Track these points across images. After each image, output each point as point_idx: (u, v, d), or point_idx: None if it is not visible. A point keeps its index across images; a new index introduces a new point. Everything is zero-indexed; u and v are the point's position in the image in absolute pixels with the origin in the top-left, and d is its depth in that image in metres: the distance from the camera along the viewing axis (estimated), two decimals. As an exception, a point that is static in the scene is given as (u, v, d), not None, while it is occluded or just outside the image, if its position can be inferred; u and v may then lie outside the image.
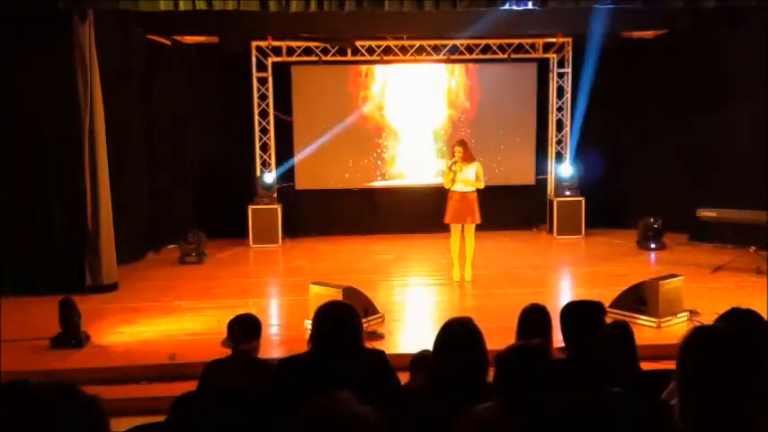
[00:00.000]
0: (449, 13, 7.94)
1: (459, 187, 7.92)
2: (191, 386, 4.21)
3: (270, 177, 10.89)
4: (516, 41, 10.95)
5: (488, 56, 11.12)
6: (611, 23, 9.13)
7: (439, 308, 7.50)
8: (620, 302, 6.49)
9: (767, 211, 8.29)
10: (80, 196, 7.86)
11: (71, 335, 5.99)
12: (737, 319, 2.92)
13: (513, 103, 11.30)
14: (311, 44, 10.75)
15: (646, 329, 6.09)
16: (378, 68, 11.20)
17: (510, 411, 2.35)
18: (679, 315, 6.40)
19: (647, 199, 10.80)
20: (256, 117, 10.99)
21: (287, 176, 11.22)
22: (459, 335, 3.02)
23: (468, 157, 7.94)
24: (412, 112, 11.26)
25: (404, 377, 3.74)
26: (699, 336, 2.31)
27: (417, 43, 10.94)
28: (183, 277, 8.88)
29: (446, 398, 2.82)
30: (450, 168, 7.93)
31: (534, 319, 3.74)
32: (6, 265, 7.88)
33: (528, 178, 11.53)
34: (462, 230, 8.04)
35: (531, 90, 11.34)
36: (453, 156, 7.98)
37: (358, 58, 11.04)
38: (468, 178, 7.90)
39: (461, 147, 7.95)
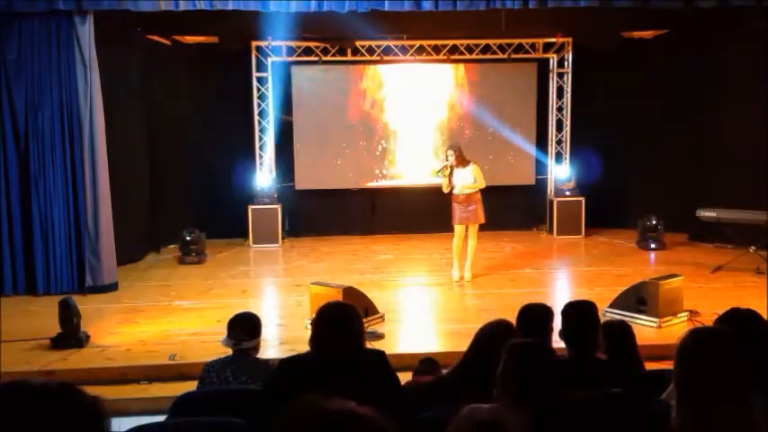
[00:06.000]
0: (449, 13, 7.94)
1: (461, 190, 7.96)
2: (191, 386, 4.22)
3: (270, 177, 10.90)
4: (516, 41, 10.95)
5: (488, 56, 11.12)
6: (611, 23, 9.14)
7: (439, 308, 7.50)
8: (620, 302, 6.48)
9: (767, 211, 8.29)
10: (80, 196, 7.86)
11: (71, 335, 5.99)
12: (737, 319, 2.92)
13: (513, 103, 11.29)
14: (311, 44, 10.75)
15: (646, 329, 6.08)
16: (378, 68, 11.20)
17: (511, 410, 2.35)
18: (679, 315, 6.40)
19: (647, 199, 10.80)
20: (256, 117, 10.98)
21: (287, 176, 11.23)
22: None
23: (463, 161, 7.98)
24: (412, 112, 11.25)
25: (404, 377, 3.74)
26: (696, 337, 2.31)
27: (417, 43, 10.94)
28: (182, 277, 8.88)
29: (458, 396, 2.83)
30: (442, 174, 7.97)
31: (533, 318, 3.75)
32: (6, 265, 7.89)
33: (528, 178, 11.53)
34: (466, 231, 8.07)
35: (531, 90, 11.33)
36: (446, 159, 8.03)
37: (358, 58, 11.03)
38: (467, 182, 7.94)
39: (454, 152, 7.99)
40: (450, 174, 7.94)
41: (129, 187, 9.18)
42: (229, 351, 4.02)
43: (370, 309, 6.45)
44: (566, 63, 11.21)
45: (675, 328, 6.10)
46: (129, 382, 5.49)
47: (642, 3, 7.53)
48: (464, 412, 2.50)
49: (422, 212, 10.95)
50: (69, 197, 7.89)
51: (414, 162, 11.33)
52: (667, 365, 2.62)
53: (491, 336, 3.17)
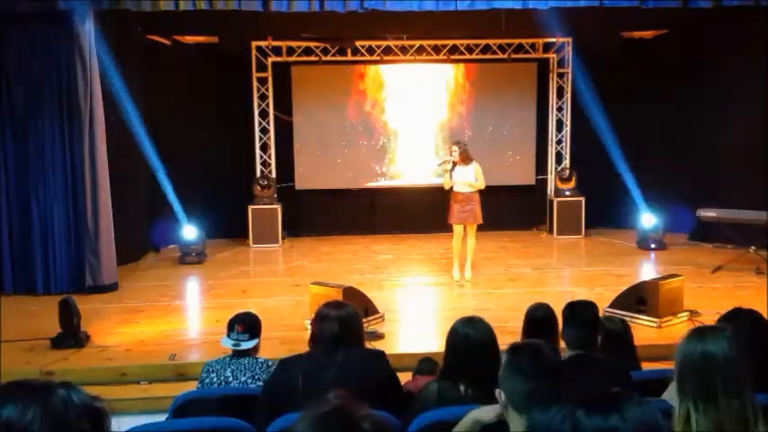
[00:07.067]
0: (449, 13, 7.94)
1: (461, 188, 7.95)
2: (191, 386, 4.23)
3: (269, 178, 10.89)
4: (516, 41, 10.95)
5: (488, 56, 11.12)
6: (611, 23, 9.13)
7: (439, 308, 7.50)
8: (620, 302, 6.48)
9: (767, 211, 8.29)
10: (80, 196, 7.86)
11: (71, 335, 5.99)
12: (739, 319, 2.92)
13: (513, 103, 11.30)
14: (311, 44, 10.75)
15: (646, 329, 6.08)
16: (378, 68, 11.20)
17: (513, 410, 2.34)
18: (679, 315, 6.40)
19: (647, 199, 10.79)
20: (256, 117, 10.98)
21: (287, 176, 11.22)
22: None
23: (466, 159, 7.97)
24: (412, 111, 11.25)
25: (404, 377, 3.74)
26: (696, 336, 2.31)
27: (417, 43, 10.94)
28: (182, 277, 8.88)
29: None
30: (444, 168, 7.97)
31: (541, 319, 3.76)
32: (6, 264, 7.88)
33: (528, 178, 11.53)
34: (464, 230, 8.07)
35: (531, 90, 11.34)
36: (450, 154, 8.04)
37: (358, 58, 11.03)
38: (468, 180, 7.94)
39: (459, 147, 7.99)
40: (452, 169, 7.93)
41: (129, 187, 9.18)
42: (229, 351, 4.02)
43: (370, 309, 6.46)
44: (566, 63, 11.21)
45: (675, 328, 6.10)
46: (129, 382, 5.49)
47: (640, 2, 7.52)
48: (467, 414, 2.50)
49: (422, 212, 10.94)
50: (69, 197, 7.89)
51: (414, 162, 11.33)
52: (667, 365, 2.62)
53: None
